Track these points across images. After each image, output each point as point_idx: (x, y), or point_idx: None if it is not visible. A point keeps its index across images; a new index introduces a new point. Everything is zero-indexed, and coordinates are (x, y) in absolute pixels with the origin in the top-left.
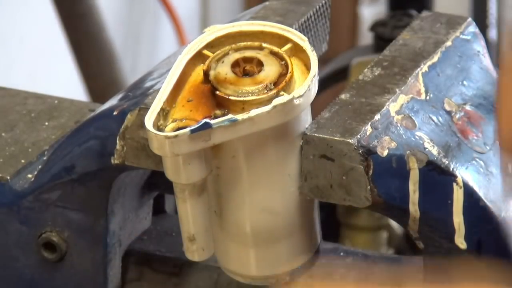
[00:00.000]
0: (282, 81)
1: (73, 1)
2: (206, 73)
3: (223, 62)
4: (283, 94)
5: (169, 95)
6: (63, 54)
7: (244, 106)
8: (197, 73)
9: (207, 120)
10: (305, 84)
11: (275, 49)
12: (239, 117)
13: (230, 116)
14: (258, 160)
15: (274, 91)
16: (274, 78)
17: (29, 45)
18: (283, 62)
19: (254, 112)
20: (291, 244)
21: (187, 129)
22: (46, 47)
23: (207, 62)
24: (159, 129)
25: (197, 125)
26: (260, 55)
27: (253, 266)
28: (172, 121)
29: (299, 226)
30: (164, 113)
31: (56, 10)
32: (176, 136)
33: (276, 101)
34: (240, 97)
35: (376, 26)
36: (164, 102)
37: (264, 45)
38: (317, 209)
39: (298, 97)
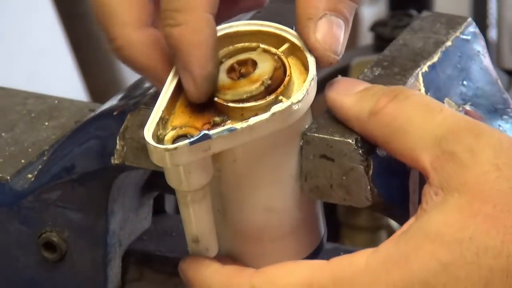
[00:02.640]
0: (278, 76)
1: (73, 1)
2: None
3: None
4: (281, 99)
5: (167, 103)
6: (63, 54)
7: (243, 112)
8: None
9: (205, 131)
10: (303, 89)
11: (273, 50)
12: (238, 126)
13: (229, 126)
14: (259, 162)
15: (272, 96)
16: (269, 73)
17: (29, 45)
18: (276, 57)
19: (253, 120)
20: (295, 239)
21: (186, 141)
22: (46, 47)
23: None
24: (158, 138)
25: (196, 137)
26: (253, 55)
27: (257, 261)
28: (172, 129)
29: (303, 222)
30: (163, 122)
31: (56, 10)
32: (175, 148)
33: (275, 109)
34: (239, 103)
35: (376, 26)
36: (163, 111)
37: (261, 45)
38: (320, 203)
39: (296, 103)
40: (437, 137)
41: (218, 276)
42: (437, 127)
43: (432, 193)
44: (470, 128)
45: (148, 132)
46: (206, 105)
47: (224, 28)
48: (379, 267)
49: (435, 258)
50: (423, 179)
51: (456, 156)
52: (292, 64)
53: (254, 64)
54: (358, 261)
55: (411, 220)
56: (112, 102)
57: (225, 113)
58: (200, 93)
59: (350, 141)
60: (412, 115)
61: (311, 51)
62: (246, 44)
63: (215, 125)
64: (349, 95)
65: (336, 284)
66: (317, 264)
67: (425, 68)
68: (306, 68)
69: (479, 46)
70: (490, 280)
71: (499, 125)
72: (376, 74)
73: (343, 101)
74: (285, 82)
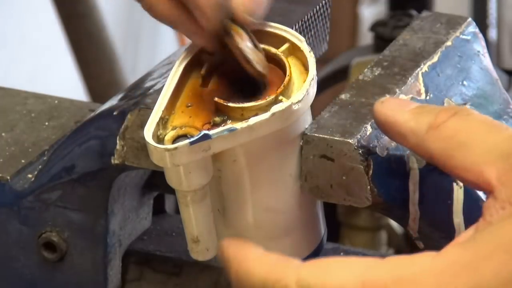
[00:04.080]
0: (274, 69)
1: (73, 1)
2: (204, 78)
3: None
4: (281, 99)
5: (167, 103)
6: (63, 54)
7: (243, 112)
8: (196, 76)
9: (206, 131)
10: (303, 89)
11: (272, 50)
12: (238, 126)
13: (229, 126)
14: (259, 162)
15: (272, 97)
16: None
17: (29, 45)
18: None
19: (253, 120)
20: (295, 238)
21: (186, 141)
22: (46, 47)
23: (205, 67)
24: (158, 138)
25: (196, 137)
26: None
27: None
28: (172, 129)
29: (303, 222)
30: (163, 121)
31: (56, 10)
32: (175, 148)
33: (275, 108)
34: (239, 103)
35: (376, 26)
36: (163, 111)
37: (261, 45)
38: (320, 203)
39: (296, 103)
40: (503, 151)
41: (261, 264)
42: (504, 142)
43: (498, 207)
44: None
45: (148, 132)
46: (206, 105)
47: None
48: (447, 269)
49: (508, 268)
50: (423, 180)
51: None
52: (292, 64)
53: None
54: (422, 261)
55: (471, 231)
56: (112, 102)
57: (225, 113)
58: (213, 22)
59: (350, 141)
60: (476, 130)
61: (233, 15)
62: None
63: (215, 125)
64: (404, 112)
65: (397, 283)
66: (373, 261)
67: (425, 68)
68: (306, 68)
69: (479, 46)
70: None
71: None
72: (376, 74)
73: (398, 116)
74: (285, 82)
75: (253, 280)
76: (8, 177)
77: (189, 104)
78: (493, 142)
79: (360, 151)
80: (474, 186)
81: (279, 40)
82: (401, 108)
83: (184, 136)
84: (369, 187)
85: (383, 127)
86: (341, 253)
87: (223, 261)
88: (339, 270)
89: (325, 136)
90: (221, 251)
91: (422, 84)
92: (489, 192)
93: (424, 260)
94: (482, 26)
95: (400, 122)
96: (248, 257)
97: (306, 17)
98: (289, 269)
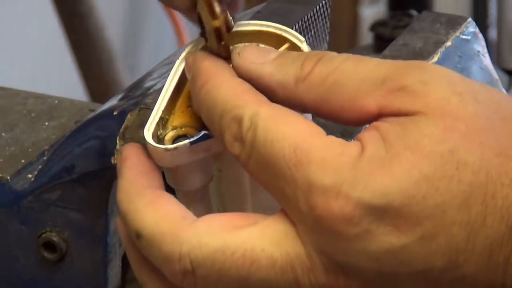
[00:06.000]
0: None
1: (73, 1)
2: None
3: None
4: None
5: (167, 103)
6: (63, 54)
7: None
8: None
9: (206, 132)
10: None
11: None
12: None
13: None
14: None
15: None
16: None
17: (29, 45)
18: None
19: None
20: None
21: (187, 141)
22: (46, 47)
23: None
24: (158, 138)
25: (196, 137)
26: None
27: None
28: (172, 129)
29: None
30: (163, 122)
31: (56, 10)
32: (175, 148)
33: None
34: None
35: (376, 26)
36: (163, 111)
37: (261, 46)
38: None
39: None
40: (376, 78)
41: (233, 86)
42: (373, 70)
43: (385, 119)
44: (412, 65)
45: (148, 132)
46: None
47: None
48: (366, 167)
49: (417, 168)
50: None
51: (408, 89)
52: None
53: None
54: (350, 153)
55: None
56: (112, 102)
57: None
58: None
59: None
60: (343, 68)
61: None
62: (247, 44)
63: None
64: (266, 64)
65: (319, 164)
66: (321, 136)
67: None
68: None
69: (479, 46)
70: (469, 195)
71: None
72: None
73: (262, 70)
74: None
75: (217, 97)
76: (8, 177)
77: (190, 105)
78: (362, 73)
79: None
80: (358, 123)
81: (279, 40)
82: (262, 59)
83: (184, 136)
84: None
85: (249, 81)
86: None
87: (190, 69)
88: (293, 125)
89: None
90: (193, 59)
91: None
92: (375, 120)
93: (352, 151)
94: (482, 26)
95: (265, 76)
96: (225, 74)
97: (306, 17)
98: (254, 102)
